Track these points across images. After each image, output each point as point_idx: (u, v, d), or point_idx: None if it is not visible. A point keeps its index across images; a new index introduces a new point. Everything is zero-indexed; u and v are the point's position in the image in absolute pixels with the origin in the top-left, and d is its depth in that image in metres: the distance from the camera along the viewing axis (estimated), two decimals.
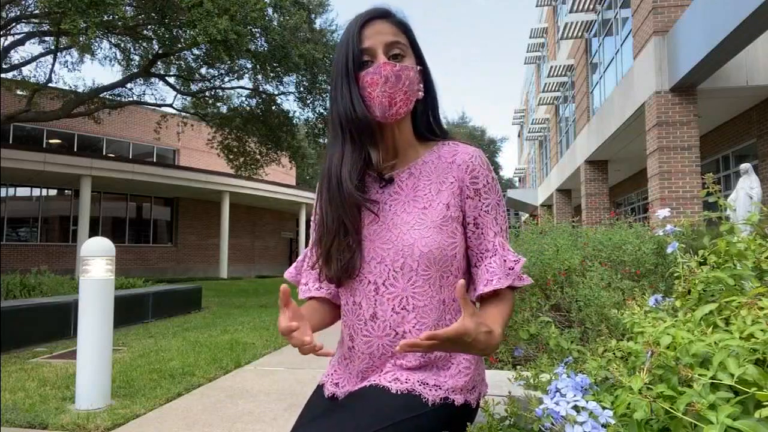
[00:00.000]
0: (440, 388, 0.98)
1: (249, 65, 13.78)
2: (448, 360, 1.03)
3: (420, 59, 1.07)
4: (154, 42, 12.79)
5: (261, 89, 15.03)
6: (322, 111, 15.21)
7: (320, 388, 1.12)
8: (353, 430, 0.88)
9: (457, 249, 1.04)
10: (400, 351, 0.81)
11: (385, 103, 0.99)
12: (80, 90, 13.84)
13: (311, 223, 1.17)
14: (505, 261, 1.03)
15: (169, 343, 5.16)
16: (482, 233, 1.05)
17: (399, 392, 0.95)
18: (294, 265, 1.21)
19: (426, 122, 1.12)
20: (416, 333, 1.00)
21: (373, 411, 0.92)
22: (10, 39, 12.63)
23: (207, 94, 15.42)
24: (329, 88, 1.08)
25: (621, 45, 11.46)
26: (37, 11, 11.48)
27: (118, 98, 14.73)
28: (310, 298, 1.14)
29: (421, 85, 1.06)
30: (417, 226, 1.02)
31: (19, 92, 14.11)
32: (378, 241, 1.03)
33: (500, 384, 1.46)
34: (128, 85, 14.47)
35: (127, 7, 10.82)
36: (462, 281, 0.81)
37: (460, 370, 1.03)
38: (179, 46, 11.64)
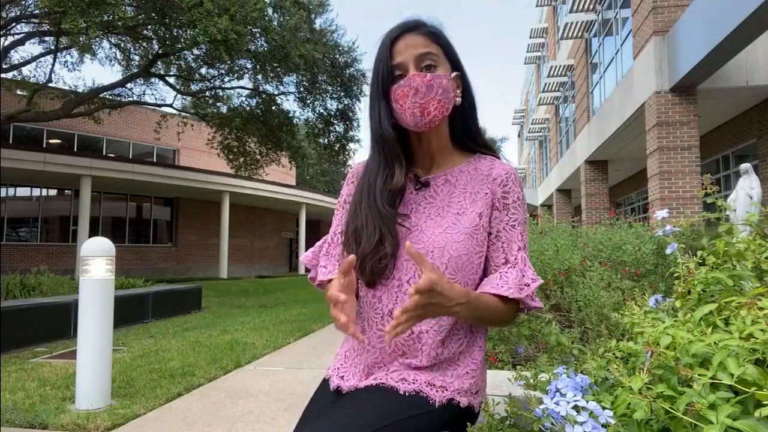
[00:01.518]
0: (446, 390, 0.99)
1: (249, 65, 13.77)
2: (456, 361, 1.04)
3: (456, 64, 1.08)
4: (154, 42, 12.78)
5: (261, 89, 15.02)
6: (322, 111, 15.21)
7: (326, 381, 1.12)
8: (360, 427, 0.89)
9: (482, 259, 1.06)
10: (388, 342, 0.84)
11: (417, 113, 1.01)
12: (80, 90, 13.83)
13: (336, 211, 1.18)
14: (523, 276, 1.03)
15: (169, 343, 5.16)
16: (503, 246, 1.06)
17: (407, 393, 0.97)
18: (311, 249, 1.22)
19: (464, 129, 1.13)
20: (433, 334, 1.01)
21: (380, 409, 0.93)
22: (10, 39, 12.63)
23: (207, 94, 15.41)
24: (368, 104, 1.10)
25: (621, 45, 11.46)
26: (37, 11, 11.48)
27: (118, 98, 14.72)
28: (330, 281, 1.14)
29: (459, 91, 1.07)
30: (449, 230, 1.03)
31: (19, 92, 14.10)
32: (409, 240, 1.04)
33: (500, 384, 1.46)
34: (128, 85, 14.46)
35: (127, 7, 10.82)
36: (409, 242, 0.84)
37: (467, 372, 1.04)
38: (179, 46, 11.63)
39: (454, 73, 1.07)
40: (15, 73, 13.52)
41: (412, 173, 1.10)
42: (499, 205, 1.07)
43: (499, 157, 1.16)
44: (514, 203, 1.08)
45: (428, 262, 0.84)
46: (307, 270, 1.23)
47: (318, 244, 1.21)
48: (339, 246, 1.14)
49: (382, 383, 0.99)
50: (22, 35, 12.72)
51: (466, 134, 1.14)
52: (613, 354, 0.95)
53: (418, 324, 1.00)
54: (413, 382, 0.98)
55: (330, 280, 1.13)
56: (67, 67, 14.47)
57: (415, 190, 1.09)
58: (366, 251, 1.03)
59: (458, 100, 1.07)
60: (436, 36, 1.06)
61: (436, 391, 0.98)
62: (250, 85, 15.07)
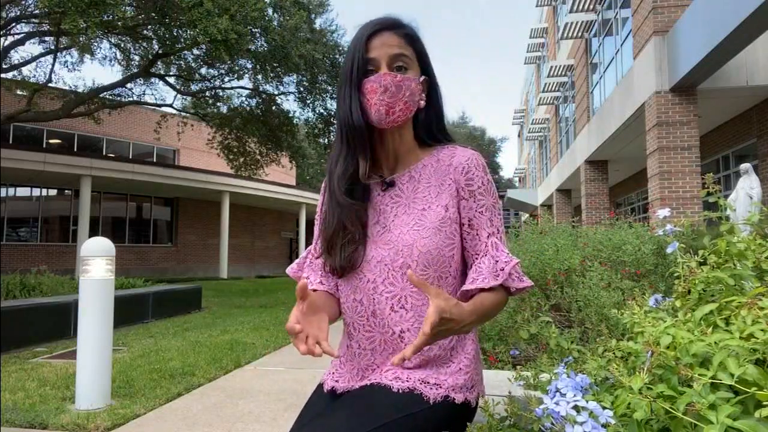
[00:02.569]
0: (441, 387, 0.99)
1: (249, 65, 13.78)
2: (449, 358, 1.05)
3: (426, 69, 1.10)
4: (154, 42, 12.79)
5: (261, 89, 15.02)
6: (322, 111, 15.20)
7: (320, 386, 1.13)
8: (355, 427, 0.89)
9: (455, 250, 1.06)
10: (396, 363, 0.84)
11: (382, 111, 1.02)
12: (80, 90, 13.83)
13: (315, 219, 1.20)
14: (496, 262, 1.03)
15: (169, 343, 5.16)
16: (477, 234, 1.06)
17: (400, 391, 0.97)
18: (296, 261, 1.23)
19: (427, 129, 1.14)
20: (414, 331, 1.02)
21: (375, 409, 0.93)
22: (10, 39, 12.63)
23: (207, 94, 15.41)
24: (336, 91, 1.12)
25: (621, 45, 11.46)
26: (37, 11, 11.48)
27: (118, 98, 14.72)
28: (313, 291, 1.14)
29: (423, 95, 1.09)
30: (416, 227, 1.04)
31: (19, 92, 14.10)
32: (379, 242, 1.05)
33: (500, 384, 1.46)
34: (128, 85, 14.46)
35: (127, 7, 10.81)
36: (410, 271, 0.85)
37: (461, 368, 1.04)
38: (179, 46, 11.63)
39: (422, 78, 1.09)
40: (15, 73, 13.52)
41: (377, 175, 1.11)
42: (465, 194, 1.07)
43: (463, 145, 1.16)
44: (479, 189, 1.07)
45: (432, 289, 0.85)
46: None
47: (302, 255, 1.22)
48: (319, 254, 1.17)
49: (377, 382, 0.99)
50: (22, 35, 12.71)
51: (429, 135, 1.14)
52: (613, 354, 0.95)
53: (398, 324, 1.02)
54: (407, 380, 0.98)
55: (314, 290, 1.13)
56: (67, 67, 14.47)
57: (383, 192, 1.10)
58: (329, 236, 1.07)
59: (422, 103, 1.09)
60: (412, 39, 1.07)
61: (430, 388, 0.98)
62: (250, 85, 15.08)
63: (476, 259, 1.06)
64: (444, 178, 1.09)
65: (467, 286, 1.02)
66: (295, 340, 0.87)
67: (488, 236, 1.06)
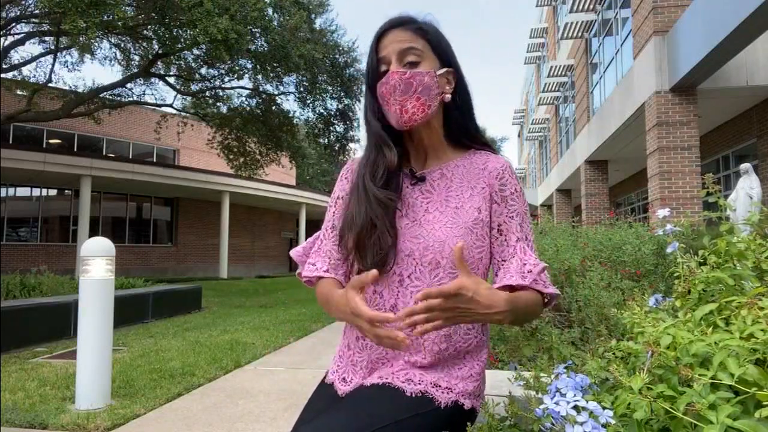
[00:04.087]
0: (452, 391, 0.99)
1: (249, 65, 13.77)
2: (461, 360, 1.04)
3: (447, 60, 1.06)
4: (154, 42, 12.78)
5: (261, 89, 15.02)
6: (322, 111, 15.21)
7: (327, 385, 1.10)
8: (363, 426, 0.88)
9: (483, 253, 1.05)
10: (418, 333, 0.82)
11: (397, 111, 1.00)
12: (80, 90, 13.83)
13: (329, 205, 1.16)
14: (524, 264, 1.02)
15: (169, 343, 5.16)
16: (505, 239, 1.06)
17: (413, 394, 0.96)
18: (302, 245, 1.19)
19: (459, 126, 1.11)
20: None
21: (387, 410, 0.93)
22: (10, 39, 12.62)
23: (207, 94, 15.40)
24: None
25: (621, 45, 11.46)
26: (37, 11, 11.48)
27: (118, 98, 14.71)
28: (319, 278, 1.11)
29: (449, 87, 1.06)
30: (449, 225, 1.03)
31: (19, 92, 14.09)
32: (408, 235, 1.03)
33: (500, 384, 1.46)
34: (128, 85, 14.46)
35: (127, 7, 10.81)
36: (460, 244, 0.83)
37: (472, 374, 1.03)
38: (179, 46, 11.63)
39: (443, 69, 1.04)
40: (15, 73, 13.52)
41: (407, 168, 1.09)
42: (498, 199, 1.07)
43: (495, 152, 1.15)
44: (512, 195, 1.07)
45: (466, 269, 0.83)
46: (297, 265, 1.20)
47: (309, 240, 1.19)
48: (329, 241, 1.12)
49: (389, 383, 0.98)
50: (22, 35, 12.71)
51: (461, 131, 1.12)
52: (613, 354, 0.95)
53: None
54: (419, 383, 0.97)
55: (320, 278, 1.10)
56: (67, 67, 14.48)
57: (411, 185, 1.08)
58: (356, 239, 1.02)
59: (447, 96, 1.05)
60: (423, 31, 1.04)
61: (442, 392, 0.98)
62: (250, 85, 15.08)
63: (504, 264, 1.05)
64: (477, 180, 1.08)
65: (494, 286, 1.01)
66: (386, 331, 0.84)
67: (517, 240, 1.05)
